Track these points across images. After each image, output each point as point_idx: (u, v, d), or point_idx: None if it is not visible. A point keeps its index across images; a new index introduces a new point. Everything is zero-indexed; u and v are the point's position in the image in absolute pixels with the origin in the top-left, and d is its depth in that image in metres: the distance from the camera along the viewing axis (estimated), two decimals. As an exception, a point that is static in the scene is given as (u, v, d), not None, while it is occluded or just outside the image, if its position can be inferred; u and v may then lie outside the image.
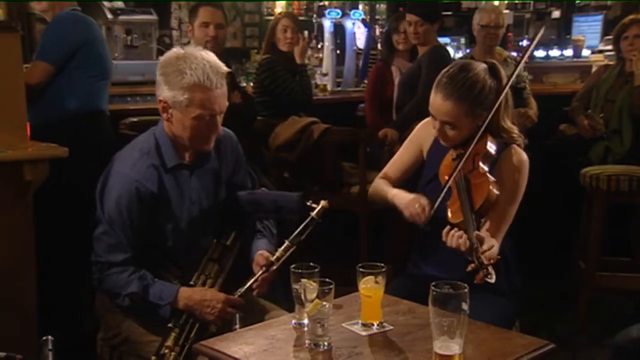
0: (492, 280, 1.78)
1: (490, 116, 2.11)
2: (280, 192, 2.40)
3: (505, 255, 2.20)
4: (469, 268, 1.82)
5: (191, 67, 2.05)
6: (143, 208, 2.11)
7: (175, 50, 2.15)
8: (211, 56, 2.13)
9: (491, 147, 2.11)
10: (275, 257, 2.12)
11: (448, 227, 1.98)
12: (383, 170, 2.44)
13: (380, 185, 2.36)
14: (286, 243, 2.11)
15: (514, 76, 2.15)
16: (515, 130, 2.21)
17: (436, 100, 2.13)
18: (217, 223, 2.28)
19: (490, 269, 1.78)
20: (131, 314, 2.15)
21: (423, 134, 2.36)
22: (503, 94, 2.13)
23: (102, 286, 2.16)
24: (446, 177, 2.12)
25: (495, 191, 2.02)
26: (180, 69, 2.06)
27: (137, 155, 2.16)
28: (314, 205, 2.12)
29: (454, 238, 1.93)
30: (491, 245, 1.89)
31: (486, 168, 2.08)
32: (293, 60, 4.06)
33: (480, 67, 2.15)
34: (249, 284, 2.12)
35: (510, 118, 2.21)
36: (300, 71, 4.07)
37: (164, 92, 2.10)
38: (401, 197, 2.22)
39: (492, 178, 2.05)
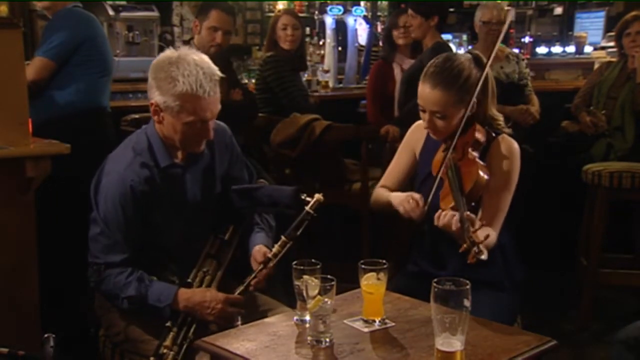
0: (484, 257, 1.77)
1: (473, 101, 2.11)
2: (275, 186, 2.37)
3: (503, 248, 2.21)
4: (461, 249, 1.81)
5: (184, 75, 2.02)
6: (138, 207, 2.09)
7: (168, 53, 2.10)
8: (205, 61, 2.08)
9: (479, 135, 2.13)
10: (272, 253, 2.09)
11: (440, 210, 1.98)
12: (381, 181, 2.44)
13: (380, 193, 2.37)
14: (282, 238, 2.08)
15: (491, 58, 2.14)
16: (501, 118, 2.24)
17: (424, 90, 2.15)
18: (213, 219, 2.27)
19: (481, 247, 1.77)
20: (130, 314, 2.14)
21: (414, 136, 2.39)
22: (482, 79, 2.12)
23: (100, 288, 2.14)
24: (437, 170, 2.12)
25: (485, 176, 2.03)
26: (173, 75, 2.03)
27: (130, 154, 2.14)
28: (308, 199, 2.09)
29: (445, 217, 1.92)
30: (487, 235, 1.87)
31: (475, 154, 2.09)
32: (296, 59, 4.05)
33: (465, 57, 2.19)
34: (247, 282, 2.10)
35: (495, 107, 2.24)
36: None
37: (156, 96, 2.08)
38: (396, 196, 2.23)
39: (481, 163, 2.07)
